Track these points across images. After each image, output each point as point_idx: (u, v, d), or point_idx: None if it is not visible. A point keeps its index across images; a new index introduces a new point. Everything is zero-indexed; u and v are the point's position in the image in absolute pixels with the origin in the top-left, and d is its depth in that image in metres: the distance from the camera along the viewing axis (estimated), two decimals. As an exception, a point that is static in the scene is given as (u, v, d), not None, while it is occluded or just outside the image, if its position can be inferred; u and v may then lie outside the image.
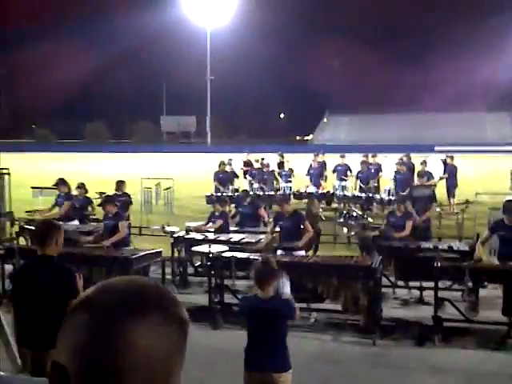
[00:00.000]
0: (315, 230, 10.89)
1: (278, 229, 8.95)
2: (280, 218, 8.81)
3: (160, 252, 8.64)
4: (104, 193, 12.67)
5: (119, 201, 11.77)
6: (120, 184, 12.11)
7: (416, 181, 12.75)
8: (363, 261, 7.62)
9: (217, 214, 10.21)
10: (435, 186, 15.99)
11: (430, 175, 16.09)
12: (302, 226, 8.68)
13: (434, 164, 17.42)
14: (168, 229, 9.99)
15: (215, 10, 64.88)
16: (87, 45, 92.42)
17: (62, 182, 11.47)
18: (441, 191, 16.94)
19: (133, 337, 0.87)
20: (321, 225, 11.67)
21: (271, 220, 9.78)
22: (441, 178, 17.03)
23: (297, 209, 9.46)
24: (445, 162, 17.54)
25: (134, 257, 7.98)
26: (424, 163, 16.64)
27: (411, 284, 8.72)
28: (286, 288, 4.74)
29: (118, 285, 0.94)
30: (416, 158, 18.04)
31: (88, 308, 0.90)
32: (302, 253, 8.53)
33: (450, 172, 17.01)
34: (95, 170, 34.01)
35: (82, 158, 47.31)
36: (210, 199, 15.23)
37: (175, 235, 9.60)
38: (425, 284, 8.34)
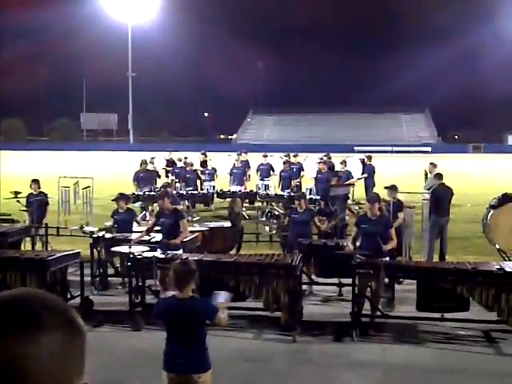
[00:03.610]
0: (238, 229, 10.96)
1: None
2: (161, 215, 8.54)
3: (78, 253, 8.38)
4: (19, 192, 12.17)
5: (35, 201, 11.35)
6: (34, 183, 11.66)
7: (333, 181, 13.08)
8: (284, 259, 7.71)
9: (120, 210, 9.79)
10: (353, 185, 16.43)
11: (349, 174, 16.51)
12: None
13: (354, 164, 17.88)
14: (87, 229, 9.74)
15: (136, 5, 63.84)
16: (3, 39, 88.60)
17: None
18: (360, 191, 17.42)
19: (4, 346, 0.87)
20: (243, 223, 11.75)
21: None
22: (359, 178, 17.50)
23: (176, 207, 9.22)
24: (363, 162, 18.03)
25: (50, 258, 7.70)
26: (344, 163, 17.06)
27: (330, 281, 8.90)
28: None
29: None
30: (336, 158, 18.44)
31: None
32: (180, 252, 8.10)
33: (368, 172, 17.51)
34: (10, 169, 32.66)
35: (-4, 155, 45.26)
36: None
37: (94, 235, 9.36)
38: (344, 281, 8.54)
